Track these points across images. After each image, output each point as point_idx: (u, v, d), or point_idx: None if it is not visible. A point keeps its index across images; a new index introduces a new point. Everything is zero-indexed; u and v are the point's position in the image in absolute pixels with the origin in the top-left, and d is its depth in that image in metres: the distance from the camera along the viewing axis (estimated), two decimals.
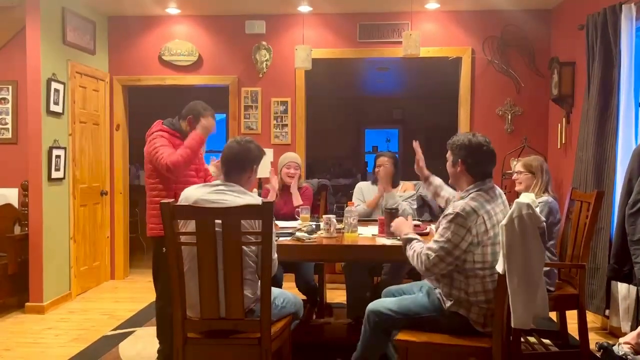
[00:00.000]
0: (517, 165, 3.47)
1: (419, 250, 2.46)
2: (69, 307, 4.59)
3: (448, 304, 2.41)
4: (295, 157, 4.11)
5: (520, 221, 2.10)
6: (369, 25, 5.25)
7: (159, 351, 3.16)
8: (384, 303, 2.57)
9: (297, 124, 5.36)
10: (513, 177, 3.52)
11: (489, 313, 2.34)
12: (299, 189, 4.05)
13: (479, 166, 2.48)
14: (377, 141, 10.65)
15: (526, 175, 3.34)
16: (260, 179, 4.33)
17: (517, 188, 3.41)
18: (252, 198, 2.46)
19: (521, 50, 5.15)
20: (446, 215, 2.39)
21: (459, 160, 2.51)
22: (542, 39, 5.12)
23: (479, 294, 2.35)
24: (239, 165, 2.54)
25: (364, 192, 4.08)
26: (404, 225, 2.75)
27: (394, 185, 3.95)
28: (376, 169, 4.00)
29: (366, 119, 10.26)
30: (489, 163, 2.51)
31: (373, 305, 2.57)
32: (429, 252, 2.38)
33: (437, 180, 3.17)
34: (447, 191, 3.08)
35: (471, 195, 2.42)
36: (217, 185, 2.49)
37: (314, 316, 4.01)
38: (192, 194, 2.47)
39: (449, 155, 2.60)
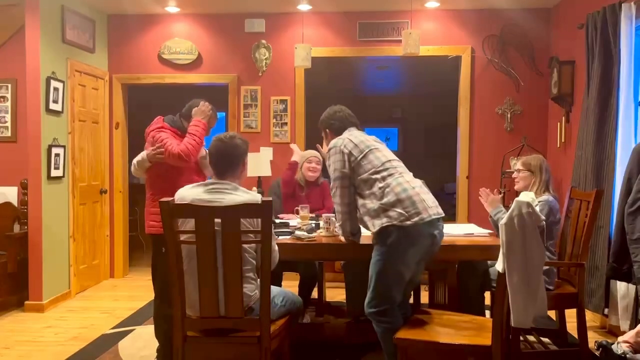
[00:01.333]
0: (517, 164, 3.47)
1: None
2: (68, 305, 4.59)
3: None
4: (317, 153, 4.14)
5: (519, 220, 2.10)
6: (368, 24, 5.24)
7: (158, 350, 3.17)
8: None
9: (296, 122, 5.35)
10: (512, 176, 3.52)
11: None
12: (320, 184, 4.18)
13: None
14: None
15: (524, 174, 3.34)
16: (259, 177, 4.34)
17: (515, 187, 3.41)
18: (248, 194, 2.46)
19: (521, 49, 5.15)
20: None
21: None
22: (541, 37, 5.12)
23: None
24: (229, 162, 2.52)
25: None
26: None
27: None
28: None
29: (366, 117, 10.23)
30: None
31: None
32: None
33: None
34: None
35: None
36: (211, 184, 2.48)
37: (308, 317, 4.00)
38: (186, 194, 2.45)
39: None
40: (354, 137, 2.78)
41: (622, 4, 3.65)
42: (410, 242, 2.54)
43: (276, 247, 2.56)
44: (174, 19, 5.38)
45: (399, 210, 2.53)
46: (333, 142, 2.78)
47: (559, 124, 4.78)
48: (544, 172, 3.28)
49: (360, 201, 2.68)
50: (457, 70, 5.31)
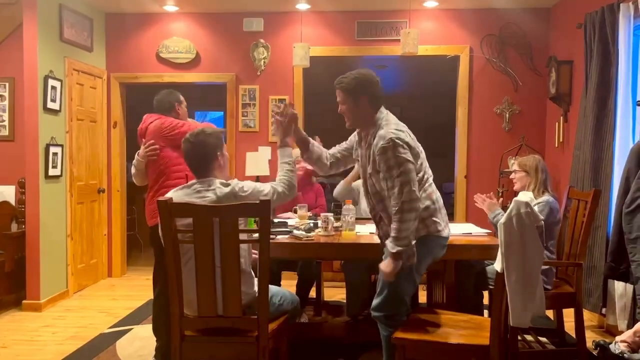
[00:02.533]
0: (514, 165, 3.48)
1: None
2: (66, 304, 4.58)
3: None
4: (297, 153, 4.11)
5: (518, 220, 2.10)
6: (367, 23, 5.24)
7: (156, 349, 3.16)
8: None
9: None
10: (510, 177, 3.53)
11: None
12: (314, 183, 4.21)
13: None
14: None
15: (521, 175, 3.35)
16: (257, 176, 4.33)
17: (514, 188, 3.43)
18: (227, 186, 2.44)
19: (519, 49, 5.15)
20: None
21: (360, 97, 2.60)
22: (540, 37, 5.12)
23: None
24: (203, 160, 2.49)
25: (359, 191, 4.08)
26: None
27: None
28: None
29: None
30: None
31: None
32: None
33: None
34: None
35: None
36: (192, 185, 2.48)
37: (306, 316, 4.00)
38: (172, 197, 2.44)
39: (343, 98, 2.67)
40: (406, 130, 2.56)
41: (621, 4, 3.65)
42: (430, 251, 2.54)
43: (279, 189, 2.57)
44: (172, 18, 5.37)
45: (437, 219, 2.52)
46: (394, 131, 2.46)
47: (557, 123, 4.78)
48: (540, 172, 3.28)
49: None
50: (456, 69, 5.31)
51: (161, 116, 3.20)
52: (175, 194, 2.47)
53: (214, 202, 2.37)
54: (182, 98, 3.31)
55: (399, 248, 2.34)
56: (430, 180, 2.59)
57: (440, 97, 6.93)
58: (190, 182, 2.52)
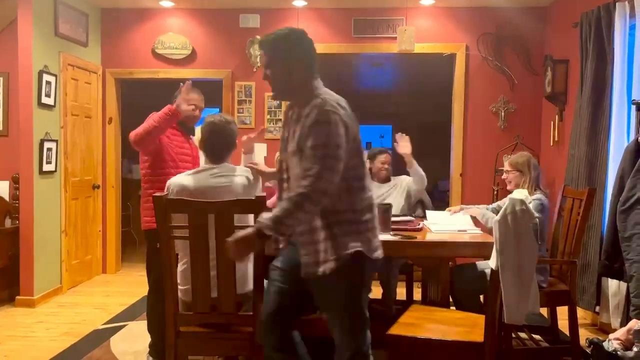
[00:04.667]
0: (505, 164, 3.46)
1: None
2: (59, 300, 4.57)
3: None
4: None
5: (513, 218, 2.11)
6: (363, 21, 5.23)
7: (150, 345, 3.16)
8: None
9: None
10: (502, 177, 3.50)
11: None
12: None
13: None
14: (370, 137, 10.65)
15: (514, 174, 3.32)
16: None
17: (508, 188, 3.41)
18: (245, 172, 2.49)
19: (515, 48, 5.16)
20: None
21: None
22: (536, 36, 5.13)
23: None
24: (225, 146, 2.50)
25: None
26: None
27: (387, 180, 3.98)
28: (380, 167, 3.99)
29: (360, 114, 10.23)
30: None
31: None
32: None
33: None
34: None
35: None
36: (210, 169, 2.48)
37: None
38: (186, 182, 2.41)
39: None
40: (349, 113, 2.05)
41: (617, 3, 3.66)
42: (366, 276, 2.10)
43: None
44: (168, 14, 5.35)
45: (373, 237, 2.04)
46: (335, 106, 1.98)
47: (552, 122, 4.79)
48: (533, 170, 3.27)
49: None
50: (452, 67, 5.32)
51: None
52: (186, 178, 2.46)
53: (245, 187, 2.40)
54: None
55: (271, 232, 1.86)
56: (369, 181, 2.11)
57: (436, 95, 6.93)
58: (203, 167, 2.52)
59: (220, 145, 2.51)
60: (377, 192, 3.91)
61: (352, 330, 2.10)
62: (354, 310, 2.07)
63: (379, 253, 2.05)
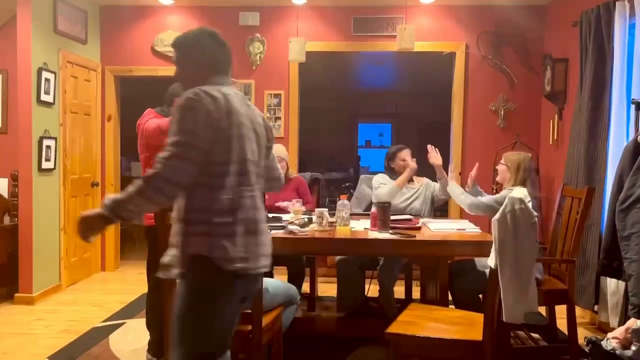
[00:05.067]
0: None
1: None
2: (58, 298, 4.56)
3: None
4: (281, 152, 3.98)
5: (512, 216, 2.11)
6: (363, 19, 5.23)
7: (149, 343, 3.16)
8: None
9: (290, 117, 5.34)
10: (496, 167, 3.56)
11: None
12: (290, 179, 4.02)
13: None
14: (370, 135, 10.65)
15: (502, 167, 3.38)
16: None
17: (497, 178, 3.49)
18: None
19: (515, 46, 5.16)
20: None
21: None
22: (535, 35, 5.13)
23: None
24: None
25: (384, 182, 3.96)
26: None
27: (411, 181, 3.96)
28: (402, 164, 3.91)
29: (359, 113, 10.25)
30: None
31: None
32: None
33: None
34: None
35: None
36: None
37: (300, 311, 4.00)
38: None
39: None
40: (221, 99, 1.83)
41: (617, 2, 3.66)
42: (208, 282, 1.83)
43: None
44: (168, 11, 5.34)
45: (228, 244, 1.82)
46: (200, 90, 1.82)
47: (551, 121, 4.80)
48: (522, 171, 3.26)
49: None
50: (451, 66, 5.31)
51: (159, 115, 3.12)
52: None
53: None
54: None
55: (110, 215, 1.73)
56: (251, 190, 1.89)
57: (436, 94, 6.93)
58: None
59: None
60: (403, 195, 3.89)
61: (178, 345, 1.85)
62: (184, 326, 1.83)
63: (244, 266, 1.81)
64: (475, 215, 3.64)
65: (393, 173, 3.94)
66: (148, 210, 1.84)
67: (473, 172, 3.61)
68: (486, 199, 3.38)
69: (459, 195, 3.46)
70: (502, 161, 3.40)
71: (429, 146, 3.82)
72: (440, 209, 5.11)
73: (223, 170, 1.80)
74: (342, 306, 3.88)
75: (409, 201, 3.87)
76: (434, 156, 3.80)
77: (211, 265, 1.77)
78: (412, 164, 3.87)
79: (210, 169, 1.79)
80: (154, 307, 3.05)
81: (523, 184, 3.26)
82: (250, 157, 1.88)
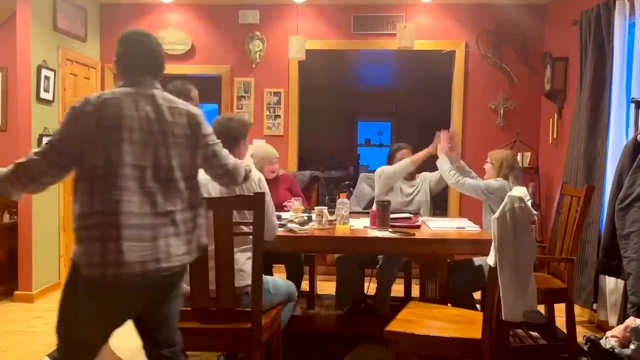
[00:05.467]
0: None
1: None
2: (58, 296, 4.52)
3: None
4: (275, 152, 3.94)
5: (512, 214, 2.11)
6: (363, 17, 5.23)
7: None
8: None
9: (290, 115, 5.34)
10: (484, 166, 3.63)
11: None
12: (279, 177, 3.99)
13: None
14: (369, 134, 10.65)
15: (488, 165, 3.53)
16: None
17: (485, 177, 3.57)
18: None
19: (515, 45, 5.16)
20: None
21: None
22: (535, 33, 5.13)
23: None
24: (225, 144, 2.38)
25: (384, 184, 3.93)
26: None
27: (413, 177, 3.99)
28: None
29: (359, 111, 10.25)
30: None
31: None
32: None
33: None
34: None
35: None
36: None
37: (299, 309, 4.01)
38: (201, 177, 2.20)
39: None
40: (95, 104, 1.90)
41: (617, 1, 3.66)
42: (77, 289, 1.93)
43: (274, 221, 2.61)
44: (168, 9, 5.34)
45: (85, 246, 1.86)
46: (84, 98, 1.94)
47: (551, 120, 4.80)
48: (505, 168, 3.41)
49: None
50: (451, 65, 5.31)
51: None
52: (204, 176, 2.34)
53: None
54: (192, 94, 3.22)
55: None
56: (120, 194, 1.83)
57: (435, 93, 6.92)
58: None
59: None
60: (406, 191, 3.92)
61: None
62: (58, 331, 1.94)
63: (103, 272, 1.80)
64: (475, 215, 3.65)
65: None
66: (20, 191, 1.96)
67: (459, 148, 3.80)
68: (472, 181, 3.50)
69: (447, 171, 3.58)
70: (487, 160, 3.54)
71: (441, 132, 3.80)
72: (440, 207, 5.12)
73: (92, 175, 1.84)
74: (340, 304, 3.89)
75: (410, 197, 3.90)
76: (444, 139, 3.76)
77: (78, 271, 1.85)
78: (431, 148, 3.85)
79: (83, 174, 1.86)
80: None
81: (505, 178, 3.39)
82: (131, 161, 1.85)
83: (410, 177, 3.98)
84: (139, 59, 2.04)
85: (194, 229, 2.01)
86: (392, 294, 3.79)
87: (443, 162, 3.65)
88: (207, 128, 2.09)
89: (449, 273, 3.06)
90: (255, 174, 2.55)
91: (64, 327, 1.93)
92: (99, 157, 1.83)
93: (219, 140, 2.15)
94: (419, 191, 3.95)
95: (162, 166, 1.92)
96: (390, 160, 4.01)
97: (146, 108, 1.93)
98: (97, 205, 1.82)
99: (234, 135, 2.60)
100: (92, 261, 1.81)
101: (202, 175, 2.12)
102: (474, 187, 3.43)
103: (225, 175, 2.18)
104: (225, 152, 2.17)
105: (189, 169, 2.00)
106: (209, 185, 2.39)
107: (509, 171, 3.42)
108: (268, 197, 2.51)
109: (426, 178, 4.01)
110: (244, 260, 2.46)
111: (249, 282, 2.39)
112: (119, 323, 2.00)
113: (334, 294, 3.92)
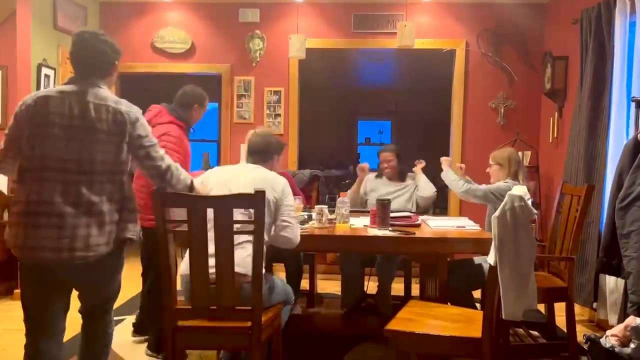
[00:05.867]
0: (489, 158, 3.52)
1: None
2: None
3: None
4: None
5: (512, 213, 2.11)
6: (363, 16, 5.22)
7: (149, 339, 3.16)
8: None
9: (290, 113, 5.33)
10: (486, 170, 3.54)
11: None
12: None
13: None
14: (369, 133, 10.64)
15: (495, 168, 3.41)
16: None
17: (490, 181, 3.48)
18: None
19: (515, 44, 5.15)
20: None
21: None
22: (536, 32, 5.13)
23: None
24: (262, 153, 2.74)
25: (367, 185, 4.12)
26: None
27: (402, 178, 4.01)
28: (382, 165, 4.08)
29: (359, 110, 10.24)
30: None
31: None
32: None
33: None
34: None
35: None
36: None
37: (299, 308, 4.01)
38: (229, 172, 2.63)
39: None
40: (34, 104, 2.20)
41: (617, 0, 3.65)
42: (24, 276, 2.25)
43: (294, 230, 2.60)
44: (168, 8, 5.33)
45: (18, 231, 2.17)
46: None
47: (551, 119, 4.79)
48: (513, 164, 3.34)
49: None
50: (451, 64, 5.31)
51: (172, 120, 3.11)
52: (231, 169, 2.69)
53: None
54: (206, 102, 3.27)
55: None
56: (39, 183, 2.08)
57: (436, 92, 6.92)
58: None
59: (258, 153, 2.76)
60: (384, 189, 3.94)
61: None
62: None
63: (20, 254, 2.13)
64: (475, 214, 3.65)
65: (380, 172, 4.16)
66: None
67: (462, 165, 3.79)
68: (483, 186, 3.42)
69: (454, 181, 3.50)
70: (490, 162, 3.43)
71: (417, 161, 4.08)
72: (440, 206, 5.12)
73: (25, 166, 2.11)
74: (345, 303, 3.90)
75: (391, 196, 3.88)
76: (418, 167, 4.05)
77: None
78: (363, 172, 4.19)
79: (20, 166, 2.13)
80: (152, 308, 3.06)
81: (516, 175, 3.31)
82: (55, 154, 2.07)
83: (393, 178, 4.04)
84: (81, 59, 2.25)
85: (118, 222, 2.18)
86: (392, 293, 3.80)
87: (449, 173, 3.59)
88: (142, 129, 2.22)
89: (449, 272, 3.06)
90: (281, 181, 2.59)
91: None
92: (29, 151, 2.09)
93: (155, 142, 2.27)
94: (402, 194, 3.96)
95: (85, 160, 2.09)
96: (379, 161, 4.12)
97: (73, 105, 2.12)
98: (23, 194, 2.09)
99: (270, 150, 2.77)
100: (16, 243, 2.11)
101: (246, 179, 2.46)
102: (485, 191, 3.32)
103: (158, 176, 2.29)
104: (161, 154, 2.28)
105: (113, 164, 2.15)
106: (248, 187, 2.38)
107: (517, 168, 3.34)
108: (289, 202, 2.58)
109: (412, 189, 4.04)
110: (244, 255, 2.45)
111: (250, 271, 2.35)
112: (46, 301, 2.23)
113: (339, 293, 3.94)
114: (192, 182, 2.41)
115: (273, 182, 2.56)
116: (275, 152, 2.81)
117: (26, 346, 2.24)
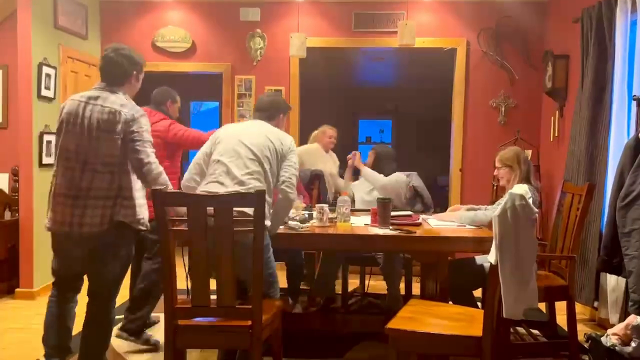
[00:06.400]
0: (496, 161, 3.37)
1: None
2: None
3: None
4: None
5: (513, 212, 2.11)
6: (364, 15, 5.22)
7: (128, 319, 3.42)
8: None
9: (290, 112, 5.32)
10: (494, 173, 3.44)
11: None
12: None
13: None
14: (370, 132, 10.64)
15: (504, 170, 3.24)
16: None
17: (500, 184, 3.38)
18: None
19: (516, 43, 5.15)
20: None
21: None
22: (536, 31, 5.12)
23: None
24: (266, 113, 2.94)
25: (354, 185, 4.18)
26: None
27: (385, 175, 4.00)
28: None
29: (360, 109, 10.24)
30: None
31: None
32: None
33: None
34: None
35: None
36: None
37: (299, 307, 4.03)
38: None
39: None
40: (73, 99, 2.75)
41: None
42: None
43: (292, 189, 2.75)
44: (168, 7, 5.33)
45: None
46: None
47: (552, 117, 4.79)
48: (522, 164, 3.18)
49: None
50: (452, 62, 5.30)
51: (165, 117, 3.46)
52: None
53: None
54: (177, 98, 3.59)
55: None
56: (56, 171, 2.71)
57: (436, 91, 6.92)
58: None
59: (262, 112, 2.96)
60: (366, 184, 4.04)
61: None
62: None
63: (48, 225, 2.75)
64: None
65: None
66: None
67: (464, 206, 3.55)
68: (502, 201, 3.23)
69: (477, 216, 3.22)
70: (498, 165, 3.27)
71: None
72: (440, 205, 5.11)
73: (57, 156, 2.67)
74: (313, 297, 4.02)
75: (369, 188, 3.95)
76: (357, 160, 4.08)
77: None
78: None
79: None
80: (152, 287, 3.46)
81: (528, 176, 3.16)
82: (65, 147, 2.61)
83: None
84: (103, 70, 2.73)
85: (113, 207, 2.57)
86: None
87: (462, 217, 3.27)
88: (137, 127, 2.58)
89: (449, 271, 3.06)
90: (288, 137, 2.87)
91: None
92: (57, 144, 2.66)
93: (145, 139, 2.61)
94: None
95: (83, 152, 2.57)
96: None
97: (84, 107, 2.60)
98: (53, 179, 2.69)
99: (276, 108, 2.97)
100: (47, 217, 2.72)
101: (255, 130, 2.80)
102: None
103: (139, 169, 2.61)
104: (147, 152, 2.59)
105: (108, 156, 2.56)
106: (259, 136, 2.76)
107: (527, 167, 3.19)
108: (292, 158, 2.80)
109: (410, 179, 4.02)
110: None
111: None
112: (70, 262, 2.79)
113: (339, 292, 3.98)
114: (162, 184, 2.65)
115: (281, 136, 2.82)
116: (281, 110, 3.00)
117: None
